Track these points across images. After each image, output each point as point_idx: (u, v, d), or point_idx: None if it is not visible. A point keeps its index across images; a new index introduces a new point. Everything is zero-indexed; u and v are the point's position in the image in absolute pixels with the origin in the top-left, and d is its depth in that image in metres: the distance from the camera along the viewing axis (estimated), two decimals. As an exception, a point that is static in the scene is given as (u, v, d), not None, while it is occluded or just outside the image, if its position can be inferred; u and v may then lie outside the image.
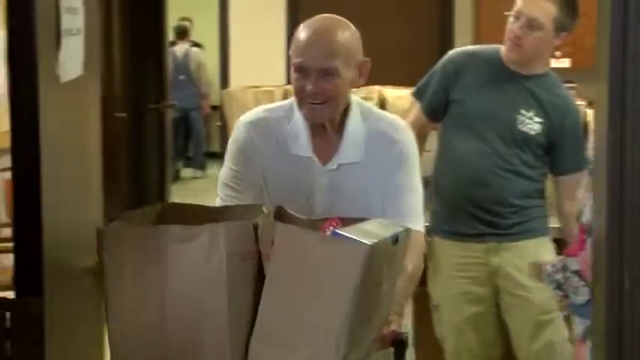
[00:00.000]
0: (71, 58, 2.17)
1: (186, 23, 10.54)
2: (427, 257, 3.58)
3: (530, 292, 3.37)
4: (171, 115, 8.32)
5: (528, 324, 3.40)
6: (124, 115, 7.06)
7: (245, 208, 2.10)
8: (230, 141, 2.54)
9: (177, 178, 10.01)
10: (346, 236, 1.82)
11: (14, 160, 1.87)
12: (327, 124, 2.42)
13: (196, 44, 10.60)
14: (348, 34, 2.38)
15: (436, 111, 3.48)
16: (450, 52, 3.50)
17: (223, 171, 2.53)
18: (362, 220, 2.03)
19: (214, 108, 9.63)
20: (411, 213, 2.45)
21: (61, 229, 2.02)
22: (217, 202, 2.46)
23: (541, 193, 3.47)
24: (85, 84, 2.35)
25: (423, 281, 2.55)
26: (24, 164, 1.86)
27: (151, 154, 7.80)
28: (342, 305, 1.80)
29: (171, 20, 9.61)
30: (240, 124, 2.53)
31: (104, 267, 1.84)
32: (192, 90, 10.21)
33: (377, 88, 4.48)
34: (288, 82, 4.98)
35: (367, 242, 1.80)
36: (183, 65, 10.16)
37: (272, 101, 3.10)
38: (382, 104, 4.44)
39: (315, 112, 2.37)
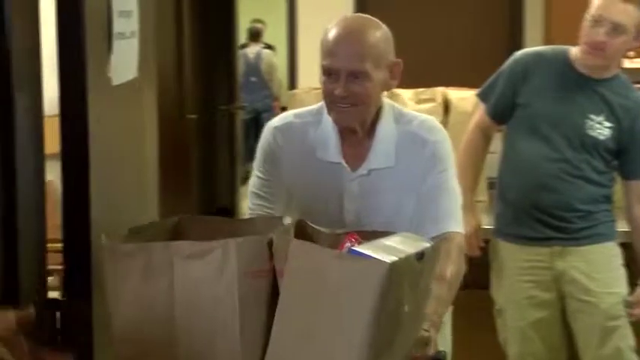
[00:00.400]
0: (124, 61, 2.17)
1: (260, 25, 10.58)
2: (491, 260, 3.52)
3: (596, 298, 3.29)
4: (242, 116, 8.35)
5: (595, 330, 3.31)
6: (194, 116, 7.11)
7: (267, 221, 2.02)
8: (258, 147, 2.48)
9: (247, 178, 10.04)
10: (363, 254, 1.70)
11: (63, 163, 1.87)
12: (358, 128, 2.35)
13: (268, 46, 10.64)
14: (378, 34, 2.30)
15: (502, 113, 3.42)
16: (517, 53, 3.43)
17: (252, 179, 2.48)
18: (386, 233, 1.92)
19: (284, 109, 9.64)
20: (447, 215, 2.38)
21: (116, 221, 2.01)
22: (247, 213, 2.42)
23: (609, 198, 3.38)
24: (140, 87, 2.35)
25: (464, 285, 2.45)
26: (73, 167, 1.86)
27: (221, 155, 7.84)
28: (360, 328, 1.66)
29: (244, 23, 9.66)
30: (267, 129, 2.48)
31: (105, 285, 1.76)
32: (263, 92, 10.25)
33: (440, 89, 4.42)
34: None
35: (386, 260, 1.67)
36: (254, 67, 10.21)
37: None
38: (446, 106, 4.38)
39: (345, 115, 2.30)
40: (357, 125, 2.33)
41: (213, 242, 1.73)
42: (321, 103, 2.40)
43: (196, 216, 2.06)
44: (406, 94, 4.42)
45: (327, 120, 2.37)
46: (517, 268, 3.38)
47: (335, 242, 1.95)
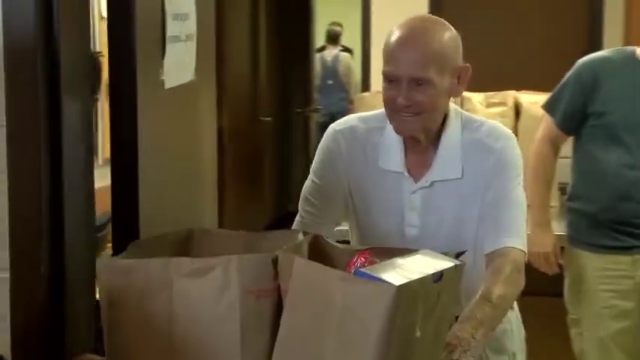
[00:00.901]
0: (178, 64, 2.16)
1: (338, 28, 10.56)
2: (565, 268, 3.43)
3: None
4: (317, 119, 8.34)
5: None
6: (269, 119, 7.11)
7: (282, 235, 1.88)
8: (317, 149, 2.36)
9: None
10: (370, 275, 1.54)
11: (112, 167, 1.87)
12: (422, 137, 2.21)
13: (346, 49, 10.61)
14: (443, 37, 2.15)
15: (571, 124, 3.34)
16: (581, 61, 3.32)
17: (306, 182, 2.36)
18: (407, 251, 1.76)
19: (361, 112, 9.60)
20: (506, 228, 2.19)
21: (164, 224, 2.00)
22: (296, 219, 2.32)
23: None
24: (197, 90, 2.34)
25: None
26: (122, 172, 1.85)
27: (296, 157, 7.82)
28: (366, 355, 1.52)
29: (323, 25, 9.65)
30: (329, 132, 2.35)
31: (101, 302, 1.66)
32: (339, 94, 10.22)
33: (512, 93, 4.33)
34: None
35: (394, 283, 1.52)
36: (332, 70, 10.19)
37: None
38: (517, 110, 4.29)
39: (407, 124, 2.16)
40: (420, 134, 2.20)
41: (213, 259, 1.62)
42: None
43: (208, 229, 1.93)
44: (476, 97, 4.35)
45: (391, 127, 2.23)
46: (596, 276, 3.28)
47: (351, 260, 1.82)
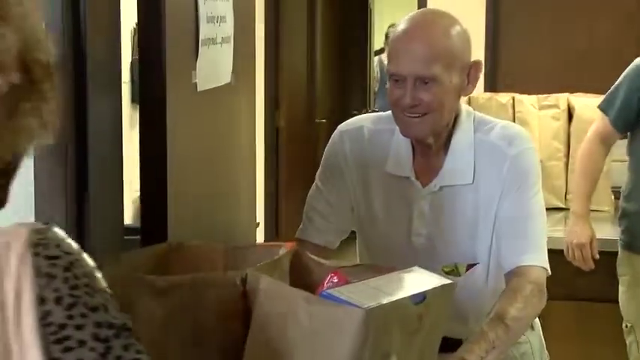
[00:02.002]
0: (213, 67, 2.13)
1: (395, 30, 10.49)
2: (621, 274, 3.33)
3: None
4: (374, 120, 8.25)
5: None
6: (324, 121, 7.09)
7: (264, 250, 1.74)
8: (324, 152, 2.23)
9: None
10: (337, 298, 1.37)
11: (141, 171, 1.84)
12: (431, 139, 2.07)
13: (406, 51, 10.52)
14: (450, 31, 1.99)
15: (626, 123, 3.27)
16: (638, 60, 3.26)
17: (312, 188, 2.23)
18: (389, 269, 1.59)
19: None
20: (527, 244, 2.04)
21: (193, 235, 1.97)
22: (300, 228, 2.21)
23: None
24: (234, 93, 2.30)
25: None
26: (151, 176, 1.82)
27: (352, 159, 7.80)
28: None
29: (383, 28, 9.58)
30: (335, 133, 2.21)
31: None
32: (398, 96, 10.15)
33: (564, 95, 4.22)
34: (488, 90, 4.80)
35: (362, 306, 1.35)
36: (391, 72, 10.12)
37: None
38: (569, 113, 4.18)
39: (413, 126, 2.01)
40: (428, 136, 2.06)
41: (177, 278, 1.50)
42: None
43: (189, 243, 1.76)
44: (529, 99, 4.25)
45: None
46: None
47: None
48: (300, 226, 2.24)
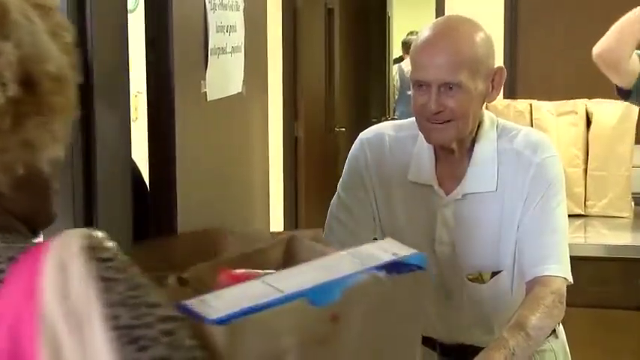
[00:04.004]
0: (223, 76, 2.10)
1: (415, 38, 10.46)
2: None
3: None
4: (394, 129, 8.23)
5: None
6: (343, 129, 7.07)
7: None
8: (346, 161, 2.20)
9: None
10: (192, 311, 1.07)
11: (150, 181, 1.82)
12: (455, 146, 2.04)
13: (425, 59, 10.49)
14: (475, 38, 1.97)
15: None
16: None
17: (334, 197, 2.20)
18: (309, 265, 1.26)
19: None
20: (546, 256, 2.00)
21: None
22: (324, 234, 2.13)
23: None
24: (246, 102, 2.28)
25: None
26: (160, 187, 1.80)
27: (372, 167, 7.76)
28: None
29: (401, 36, 9.56)
30: (357, 142, 2.19)
31: None
32: (418, 104, 10.12)
33: (582, 101, 4.16)
34: (507, 96, 4.76)
35: (216, 319, 1.05)
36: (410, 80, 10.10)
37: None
38: (588, 119, 4.13)
39: (438, 133, 1.99)
40: (453, 143, 2.04)
41: None
42: None
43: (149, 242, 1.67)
44: (546, 106, 4.20)
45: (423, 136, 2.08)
46: None
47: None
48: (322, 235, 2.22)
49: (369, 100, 8.89)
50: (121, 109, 1.66)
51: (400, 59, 9.61)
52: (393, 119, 8.55)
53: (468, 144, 2.07)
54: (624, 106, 3.89)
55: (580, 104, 4.14)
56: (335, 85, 7.19)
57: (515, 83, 4.89)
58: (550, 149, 2.10)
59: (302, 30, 6.23)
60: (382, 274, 1.25)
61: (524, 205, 2.04)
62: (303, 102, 6.29)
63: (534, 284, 2.01)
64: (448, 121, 1.97)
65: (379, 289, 1.24)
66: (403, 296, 1.30)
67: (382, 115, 8.65)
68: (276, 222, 6.02)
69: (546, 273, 2.00)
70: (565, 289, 2.02)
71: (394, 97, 9.33)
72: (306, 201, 6.29)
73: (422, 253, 1.35)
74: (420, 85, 1.98)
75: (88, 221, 1.52)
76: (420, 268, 1.33)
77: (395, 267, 1.29)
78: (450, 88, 1.94)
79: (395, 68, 9.45)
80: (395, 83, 9.32)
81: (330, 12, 7.02)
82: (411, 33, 10.44)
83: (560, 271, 2.02)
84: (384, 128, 2.20)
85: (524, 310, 1.94)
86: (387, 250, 1.33)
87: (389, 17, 9.10)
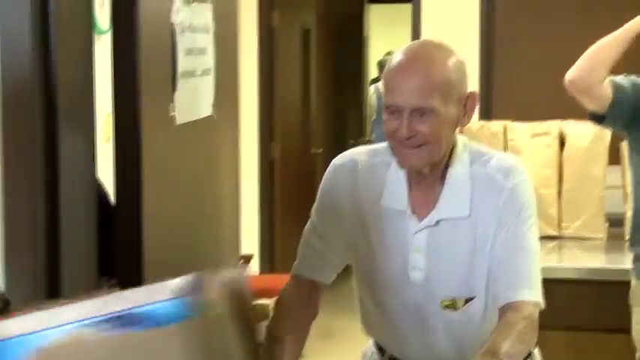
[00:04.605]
0: (192, 99, 2.10)
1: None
2: (633, 305, 3.26)
3: None
4: (370, 150, 8.22)
5: None
6: (320, 151, 7.07)
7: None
8: (319, 187, 2.17)
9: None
10: None
11: (116, 203, 1.81)
12: (427, 171, 2.02)
13: (402, 79, 10.51)
14: (447, 62, 1.96)
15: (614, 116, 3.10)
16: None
17: (307, 224, 2.18)
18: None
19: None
20: (518, 280, 1.99)
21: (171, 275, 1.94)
22: (295, 263, 2.16)
23: None
24: (216, 125, 2.28)
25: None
26: (126, 210, 1.79)
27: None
28: None
29: (378, 57, 9.60)
30: (329, 168, 2.16)
31: None
32: (396, 125, 10.13)
33: (556, 122, 4.18)
34: (482, 118, 4.77)
35: None
36: (387, 101, 10.11)
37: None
38: (561, 140, 4.15)
39: (410, 157, 1.97)
40: (425, 168, 2.02)
41: None
42: None
43: None
44: (521, 127, 4.22)
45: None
46: None
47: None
48: (296, 262, 2.21)
49: (345, 121, 8.91)
50: (85, 130, 1.65)
51: (377, 80, 9.63)
52: (369, 140, 8.57)
53: (440, 169, 2.06)
54: (597, 128, 3.90)
55: (554, 126, 4.16)
56: (311, 105, 7.20)
57: (491, 105, 4.92)
58: (522, 174, 2.08)
59: (278, 50, 6.25)
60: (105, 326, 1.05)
61: (496, 230, 2.03)
62: (279, 123, 6.29)
63: (507, 310, 1.99)
64: (420, 145, 1.97)
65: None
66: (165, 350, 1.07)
67: (359, 136, 8.65)
68: (251, 244, 6.00)
69: (518, 298, 1.98)
70: (537, 313, 2.00)
71: (371, 118, 9.35)
72: (282, 223, 6.28)
73: (184, 299, 1.13)
74: (392, 109, 1.97)
75: (51, 244, 1.50)
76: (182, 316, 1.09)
77: (131, 319, 1.07)
78: (422, 113, 1.94)
79: (372, 89, 9.46)
80: (372, 104, 9.34)
81: (306, 32, 7.04)
82: (388, 53, 10.48)
83: (532, 295, 2.00)
84: (357, 154, 2.17)
85: (496, 336, 1.92)
86: (152, 296, 1.14)
87: (366, 38, 9.13)
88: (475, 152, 2.09)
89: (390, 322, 2.21)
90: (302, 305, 2.16)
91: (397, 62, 1.96)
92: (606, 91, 3.09)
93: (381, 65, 10.30)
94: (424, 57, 1.96)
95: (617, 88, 3.10)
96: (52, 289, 1.49)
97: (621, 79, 3.13)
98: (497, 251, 2.03)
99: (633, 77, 3.15)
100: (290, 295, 2.16)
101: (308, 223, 2.18)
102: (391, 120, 1.96)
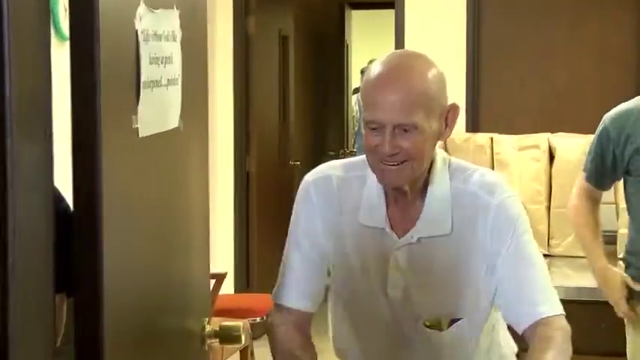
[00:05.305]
0: (158, 110, 2.08)
1: (373, 68, 10.50)
2: (627, 325, 3.29)
3: None
4: (352, 162, 8.23)
5: None
6: (298, 163, 7.07)
7: None
8: (294, 206, 2.20)
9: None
10: None
11: (75, 220, 1.78)
12: (407, 187, 2.05)
13: (386, 89, 10.53)
14: (429, 76, 1.98)
15: (602, 180, 3.29)
16: (607, 116, 3.27)
17: (286, 247, 2.21)
18: None
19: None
20: (539, 295, 2.04)
21: (133, 295, 1.92)
22: (275, 289, 2.19)
23: None
24: (183, 138, 2.25)
25: None
26: (85, 228, 1.76)
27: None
28: None
29: (360, 65, 9.60)
30: (302, 184, 2.19)
31: None
32: (378, 136, 10.14)
33: (545, 135, 4.20)
34: (470, 130, 4.77)
35: None
36: (370, 111, 10.13)
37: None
38: (551, 154, 4.16)
39: (392, 174, 1.99)
40: (406, 184, 2.04)
41: None
42: None
43: None
44: (508, 140, 4.23)
45: (374, 176, 2.07)
46: None
47: None
48: (275, 288, 2.22)
49: (326, 132, 8.91)
50: (41, 140, 1.62)
51: (360, 89, 9.65)
52: (351, 152, 8.56)
53: (420, 185, 2.07)
54: (588, 141, 3.93)
55: (542, 138, 4.18)
56: (290, 116, 7.20)
57: (478, 117, 4.94)
58: (508, 190, 2.11)
59: (255, 58, 6.24)
60: None
61: (492, 251, 2.05)
62: (255, 134, 6.29)
63: (535, 329, 2.02)
64: (402, 162, 1.98)
65: None
66: None
67: (340, 148, 8.66)
68: (227, 262, 5.97)
69: (544, 315, 2.03)
70: (566, 323, 2.05)
71: (353, 129, 9.35)
72: (259, 239, 6.26)
73: None
74: (373, 125, 1.97)
75: (2, 259, 1.47)
76: None
77: None
78: (406, 129, 1.95)
79: (354, 98, 9.49)
80: (354, 114, 9.35)
81: (284, 39, 7.04)
82: (371, 62, 10.50)
83: (555, 308, 2.05)
84: (330, 168, 2.18)
85: (537, 351, 1.96)
86: None
87: (347, 45, 9.14)
88: (455, 168, 2.11)
89: (366, 342, 2.21)
90: (304, 348, 2.16)
91: (377, 76, 1.97)
92: (592, 192, 3.35)
93: (364, 73, 10.34)
94: (405, 71, 1.97)
95: (592, 178, 3.31)
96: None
97: (587, 160, 3.34)
98: (502, 273, 2.05)
99: (597, 136, 3.29)
100: (289, 338, 2.17)
101: (286, 245, 2.19)
102: (372, 135, 1.97)
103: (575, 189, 3.40)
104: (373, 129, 1.97)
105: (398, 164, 1.98)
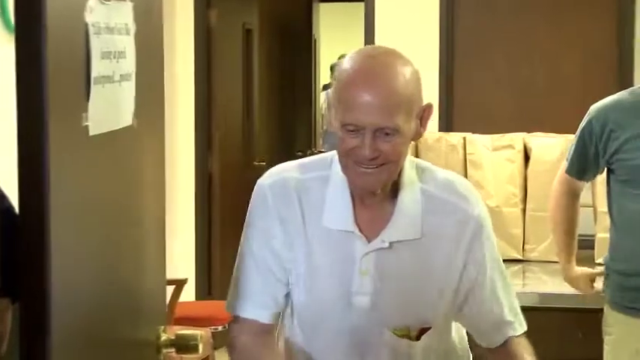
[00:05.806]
0: (110, 108, 2.07)
1: (345, 64, 10.52)
2: (605, 334, 3.31)
3: None
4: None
5: None
6: (263, 163, 7.06)
7: None
8: (248, 211, 2.17)
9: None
10: None
11: (21, 223, 1.78)
12: (379, 189, 2.03)
13: (356, 85, 10.55)
14: (408, 76, 1.96)
15: (584, 173, 3.31)
16: (593, 107, 3.29)
17: (239, 256, 2.19)
18: None
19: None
20: (508, 313, 2.17)
21: (82, 301, 1.91)
22: (228, 300, 2.18)
23: None
24: (137, 136, 2.25)
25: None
26: (30, 225, 1.76)
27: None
28: None
29: (329, 60, 9.62)
30: (256, 189, 2.17)
31: None
32: (349, 135, 10.15)
33: (521, 135, 4.23)
34: (443, 130, 4.79)
35: None
36: (340, 108, 10.13)
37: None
38: (526, 154, 4.19)
39: (368, 177, 1.97)
40: (380, 188, 2.04)
41: None
42: (332, 153, 2.09)
43: None
44: (481, 139, 4.25)
45: (337, 176, 2.05)
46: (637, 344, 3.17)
47: None
48: (229, 298, 2.20)
49: (293, 131, 8.91)
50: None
51: (329, 85, 9.66)
52: (320, 152, 8.57)
53: (389, 186, 2.06)
54: (566, 141, 3.96)
55: (517, 138, 4.20)
56: (254, 114, 7.19)
57: (452, 116, 4.96)
58: (473, 193, 2.16)
59: (217, 53, 6.23)
60: None
61: (467, 263, 2.11)
62: (217, 132, 6.27)
63: (507, 346, 2.17)
64: (381, 165, 1.97)
65: None
66: None
67: (308, 148, 8.66)
68: (187, 267, 5.96)
69: (514, 333, 2.19)
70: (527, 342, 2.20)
71: (322, 128, 9.36)
72: (222, 243, 6.25)
73: None
74: (350, 127, 1.94)
75: None
76: None
77: None
78: (387, 133, 1.94)
79: (323, 95, 9.50)
80: (323, 112, 9.36)
81: (248, 33, 7.04)
82: (342, 57, 10.50)
83: (522, 326, 2.21)
84: (286, 171, 2.15)
85: None
86: None
87: (315, 40, 9.15)
88: (422, 169, 2.13)
89: (318, 354, 2.19)
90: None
91: (353, 74, 1.95)
92: (575, 185, 3.41)
93: (334, 70, 10.35)
94: (384, 69, 1.96)
95: (574, 170, 3.36)
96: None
97: (569, 151, 3.39)
98: (472, 285, 2.12)
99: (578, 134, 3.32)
100: (249, 350, 2.15)
101: (239, 253, 2.17)
102: (349, 138, 1.94)
103: (557, 180, 3.43)
104: (350, 131, 1.95)
105: (376, 167, 1.96)
